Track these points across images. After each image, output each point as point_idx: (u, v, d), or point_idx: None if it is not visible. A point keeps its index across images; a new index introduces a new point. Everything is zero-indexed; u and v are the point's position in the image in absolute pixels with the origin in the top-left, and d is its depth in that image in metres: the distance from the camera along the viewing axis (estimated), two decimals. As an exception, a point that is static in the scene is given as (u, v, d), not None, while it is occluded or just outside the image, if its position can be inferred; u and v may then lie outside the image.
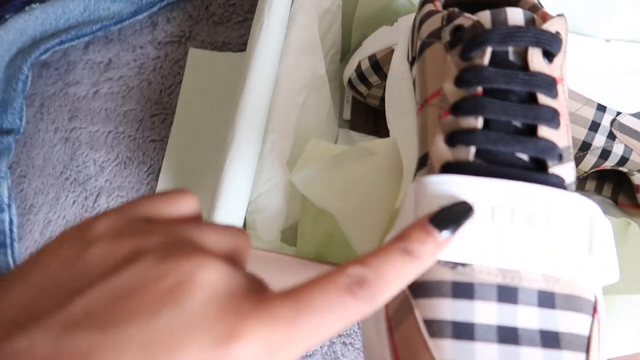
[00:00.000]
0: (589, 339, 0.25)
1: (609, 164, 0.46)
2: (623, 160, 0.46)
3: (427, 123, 0.29)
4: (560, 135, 0.27)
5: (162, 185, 0.52)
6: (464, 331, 0.24)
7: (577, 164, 0.46)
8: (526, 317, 0.25)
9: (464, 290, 0.25)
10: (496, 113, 0.27)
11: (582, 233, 0.25)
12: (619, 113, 0.46)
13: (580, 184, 0.51)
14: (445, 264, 0.26)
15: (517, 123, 0.27)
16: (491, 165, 0.26)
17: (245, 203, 0.38)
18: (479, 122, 0.27)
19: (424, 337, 0.25)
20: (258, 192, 0.41)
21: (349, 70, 0.49)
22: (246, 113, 0.39)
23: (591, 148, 0.45)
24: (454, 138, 0.27)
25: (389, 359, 0.26)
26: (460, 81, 0.28)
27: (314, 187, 0.36)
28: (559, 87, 0.28)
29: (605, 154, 0.45)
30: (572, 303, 0.26)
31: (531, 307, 0.25)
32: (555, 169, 0.27)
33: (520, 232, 0.25)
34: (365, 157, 0.34)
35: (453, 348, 0.24)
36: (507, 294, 0.25)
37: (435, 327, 0.25)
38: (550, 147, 0.27)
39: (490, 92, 0.28)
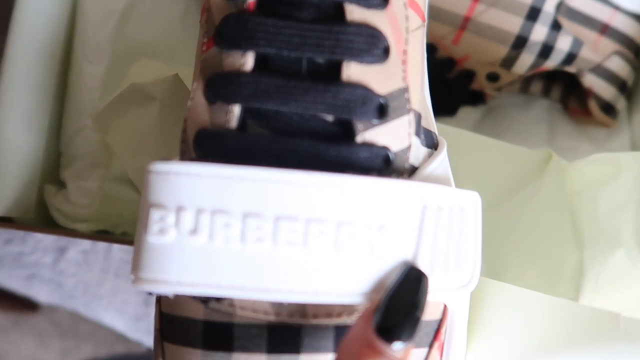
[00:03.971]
0: None
1: (551, 63, 0.34)
2: (570, 57, 0.34)
3: (195, 59, 0.19)
4: (389, 73, 0.17)
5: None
6: None
7: (509, 67, 0.35)
8: None
9: (219, 336, 0.17)
10: (273, 44, 0.16)
11: (399, 241, 0.16)
12: (567, -7, 0.34)
13: (524, 86, 0.39)
14: (196, 297, 0.17)
15: (319, 58, 0.16)
16: (265, 136, 0.16)
17: (27, 165, 0.28)
18: (247, 62, 0.16)
19: None
20: (68, 138, 0.31)
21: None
22: (20, 29, 0.28)
23: (527, 44, 0.34)
24: (213, 88, 0.17)
25: None
26: (226, -13, 0.17)
27: (115, 134, 0.26)
28: (393, -13, 0.17)
29: (546, 51, 0.34)
30: None
31: (324, 355, 0.17)
32: (369, 133, 0.16)
33: (291, 251, 0.15)
34: (148, 102, 0.23)
35: None
36: (283, 339, 0.16)
37: None
38: (360, 98, 0.16)
39: (267, 6, 0.17)
